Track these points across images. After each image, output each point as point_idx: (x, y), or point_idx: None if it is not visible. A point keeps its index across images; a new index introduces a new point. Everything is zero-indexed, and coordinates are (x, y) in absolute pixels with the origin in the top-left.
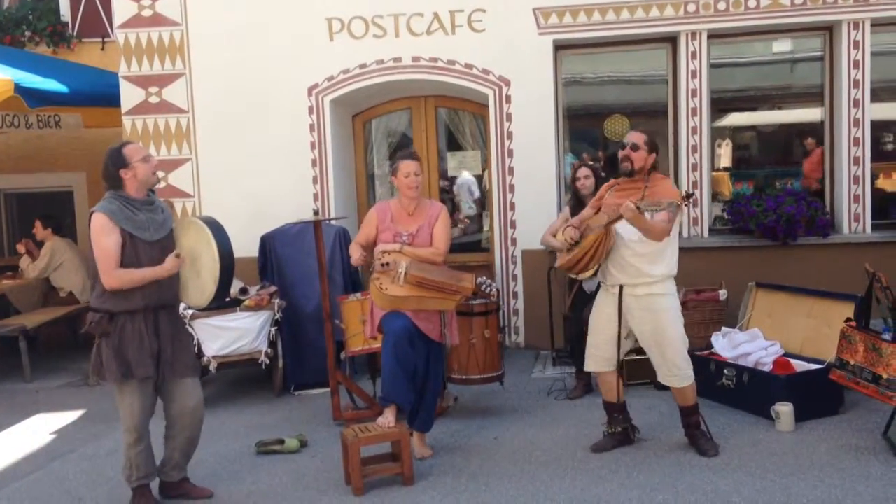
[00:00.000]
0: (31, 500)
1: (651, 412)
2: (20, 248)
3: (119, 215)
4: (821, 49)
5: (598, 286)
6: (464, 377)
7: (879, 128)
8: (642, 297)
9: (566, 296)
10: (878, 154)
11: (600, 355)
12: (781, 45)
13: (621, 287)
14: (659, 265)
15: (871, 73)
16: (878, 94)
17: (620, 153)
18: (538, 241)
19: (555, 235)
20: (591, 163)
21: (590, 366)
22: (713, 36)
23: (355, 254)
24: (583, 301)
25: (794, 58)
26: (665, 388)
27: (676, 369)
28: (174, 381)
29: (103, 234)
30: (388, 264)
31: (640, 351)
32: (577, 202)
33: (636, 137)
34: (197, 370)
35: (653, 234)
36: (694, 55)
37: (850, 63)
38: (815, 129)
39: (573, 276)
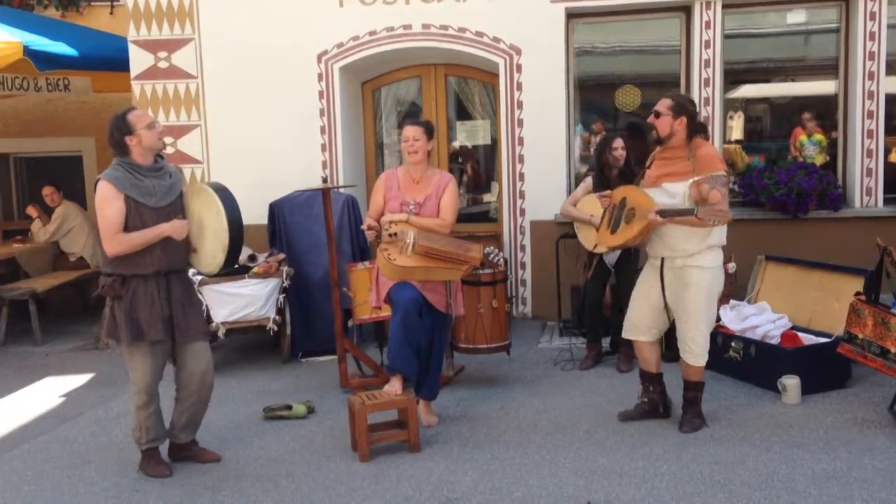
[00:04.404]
0: (41, 462)
1: None
2: (31, 211)
3: (124, 182)
4: (836, 20)
5: (619, 260)
6: (471, 346)
7: (894, 101)
8: (679, 268)
9: (585, 267)
10: (892, 128)
11: (636, 325)
12: (796, 17)
13: (663, 259)
14: (692, 238)
15: (886, 45)
16: (894, 67)
17: (649, 121)
18: (547, 212)
19: (575, 205)
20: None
21: (627, 333)
22: (728, 6)
23: (367, 225)
24: (604, 274)
25: (808, 29)
26: (673, 359)
27: (694, 344)
28: (185, 344)
29: (107, 201)
30: (395, 234)
31: None
32: (601, 173)
33: (660, 105)
34: (207, 334)
35: (702, 224)
36: (708, 25)
37: (865, 35)
38: (828, 102)
39: (592, 250)
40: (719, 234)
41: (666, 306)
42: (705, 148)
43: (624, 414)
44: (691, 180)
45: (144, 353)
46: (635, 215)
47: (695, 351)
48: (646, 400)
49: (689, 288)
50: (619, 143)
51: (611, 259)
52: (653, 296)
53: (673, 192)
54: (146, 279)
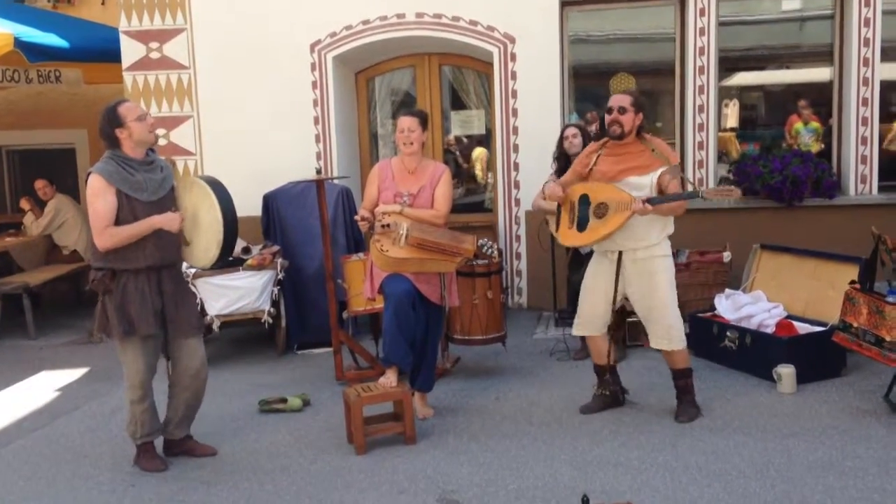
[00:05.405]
0: (36, 457)
1: (650, 373)
2: (24, 204)
3: (115, 176)
4: (831, 7)
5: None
6: (466, 338)
7: (888, 88)
8: (641, 260)
9: (566, 258)
10: (887, 115)
11: (590, 321)
12: (791, 3)
13: (620, 253)
14: (656, 228)
15: (881, 31)
16: (888, 54)
17: (608, 118)
18: None
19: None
20: (580, 123)
21: (579, 331)
22: None
23: (360, 216)
24: (578, 263)
25: (803, 16)
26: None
27: (673, 330)
28: (178, 340)
29: (98, 195)
30: (388, 225)
31: None
32: (564, 163)
33: (622, 100)
34: (200, 329)
35: (678, 211)
36: (702, 12)
37: (860, 21)
38: (823, 89)
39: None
40: (672, 223)
41: (614, 300)
42: (657, 140)
43: (585, 407)
44: (660, 171)
45: (136, 348)
46: (609, 209)
47: (675, 337)
48: (607, 392)
49: (655, 277)
50: (570, 131)
51: (584, 248)
52: (608, 290)
53: (640, 185)
54: (137, 273)
